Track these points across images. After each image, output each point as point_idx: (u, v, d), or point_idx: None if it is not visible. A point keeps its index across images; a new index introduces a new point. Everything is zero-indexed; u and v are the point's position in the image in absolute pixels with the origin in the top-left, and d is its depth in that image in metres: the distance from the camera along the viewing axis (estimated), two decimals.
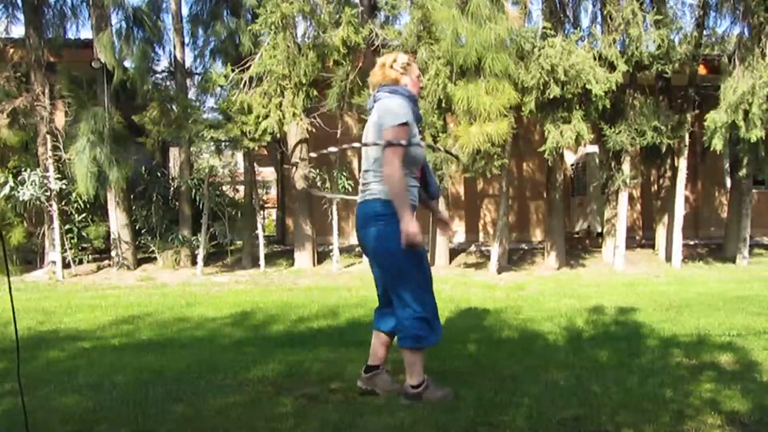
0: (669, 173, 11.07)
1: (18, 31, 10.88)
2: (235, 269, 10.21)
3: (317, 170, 10.22)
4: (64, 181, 9.54)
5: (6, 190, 9.22)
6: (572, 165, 13.04)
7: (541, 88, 8.69)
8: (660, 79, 10.27)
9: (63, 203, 9.76)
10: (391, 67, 2.96)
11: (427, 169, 3.05)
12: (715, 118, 8.91)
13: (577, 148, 11.44)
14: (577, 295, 6.59)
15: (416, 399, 2.82)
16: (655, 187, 12.27)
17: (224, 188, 11.43)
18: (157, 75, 10.93)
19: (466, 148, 8.37)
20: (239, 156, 13.00)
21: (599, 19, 9.92)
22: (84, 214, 10.14)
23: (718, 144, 9.03)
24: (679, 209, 10.12)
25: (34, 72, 9.76)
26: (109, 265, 10.29)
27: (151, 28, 10.03)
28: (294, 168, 9.88)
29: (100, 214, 10.45)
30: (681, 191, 10.22)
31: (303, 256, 10.44)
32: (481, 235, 13.41)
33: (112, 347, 4.27)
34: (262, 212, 11.60)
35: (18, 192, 9.17)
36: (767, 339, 4.03)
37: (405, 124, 2.77)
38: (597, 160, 11.24)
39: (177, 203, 10.86)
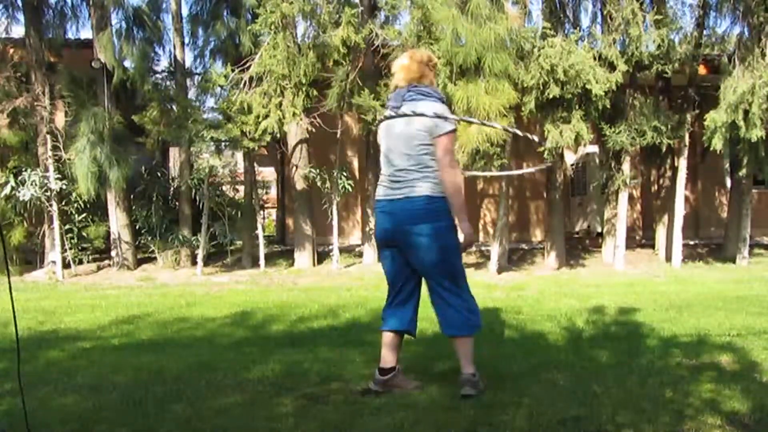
0: (669, 173, 11.07)
1: (18, 31, 10.87)
2: (235, 269, 10.21)
3: (317, 170, 10.21)
4: (64, 181, 9.54)
5: (6, 190, 9.22)
6: (572, 165, 13.04)
7: (541, 88, 8.69)
8: (660, 79, 10.26)
9: (63, 203, 9.76)
10: (427, 65, 3.01)
11: None
12: (715, 118, 8.91)
13: (577, 148, 11.44)
14: (577, 295, 6.59)
15: (477, 387, 2.87)
16: (655, 187, 12.26)
17: (224, 188, 11.43)
18: (157, 75, 10.95)
19: (465, 148, 8.37)
20: (239, 156, 13.01)
21: (599, 19, 9.92)
22: (84, 214, 10.14)
23: (718, 144, 9.03)
24: (679, 209, 10.12)
25: (34, 72, 9.77)
26: (109, 265, 10.30)
27: (151, 28, 10.04)
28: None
29: (100, 214, 10.45)
30: (681, 191, 10.21)
31: (303, 256, 10.44)
32: (481, 235, 13.40)
33: (112, 347, 4.27)
34: (262, 212, 11.60)
35: (18, 192, 9.17)
36: (767, 339, 4.03)
37: (455, 131, 2.92)
38: (597, 160, 11.23)
39: (177, 203, 10.86)
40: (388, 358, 2.99)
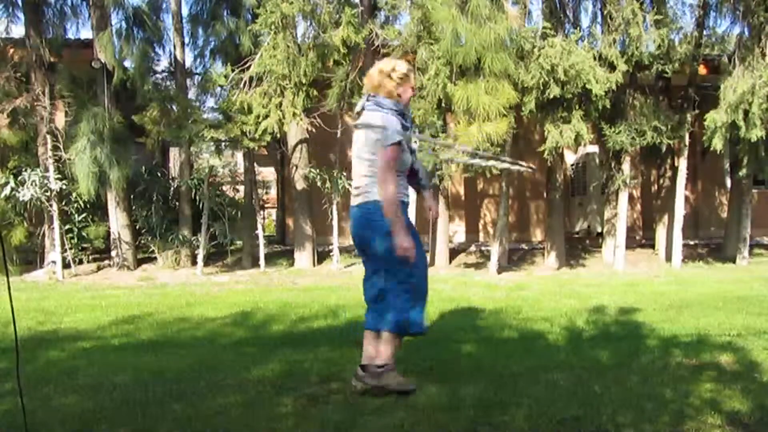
0: (669, 173, 11.07)
1: (18, 31, 10.86)
2: (235, 269, 10.21)
3: (317, 170, 10.22)
4: (64, 181, 9.54)
5: (6, 190, 9.22)
6: (572, 165, 13.05)
7: (541, 88, 8.68)
8: (660, 79, 10.26)
9: (63, 203, 9.75)
10: (389, 76, 3.02)
11: (417, 164, 3.22)
12: (715, 118, 8.91)
13: (577, 148, 11.45)
14: (577, 295, 6.59)
15: (377, 378, 2.92)
16: (655, 187, 12.26)
17: (224, 188, 11.43)
18: (157, 75, 10.94)
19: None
20: (239, 156, 13.01)
21: (599, 19, 9.92)
22: (84, 214, 10.13)
23: (718, 144, 9.03)
24: (679, 209, 10.12)
25: (34, 72, 9.76)
26: (109, 265, 10.29)
27: (151, 28, 10.02)
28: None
29: (100, 214, 10.45)
30: (681, 191, 10.21)
31: (303, 256, 10.44)
32: (481, 235, 13.41)
33: (112, 347, 4.27)
34: (262, 212, 11.60)
35: (18, 192, 9.17)
36: (767, 339, 4.03)
37: (398, 143, 2.92)
38: (597, 160, 11.24)
39: (177, 203, 10.85)
40: (370, 356, 3.04)
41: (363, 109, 3.06)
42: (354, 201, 3.08)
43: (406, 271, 2.93)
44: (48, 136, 9.49)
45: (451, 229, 11.81)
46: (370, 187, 2.96)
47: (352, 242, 10.08)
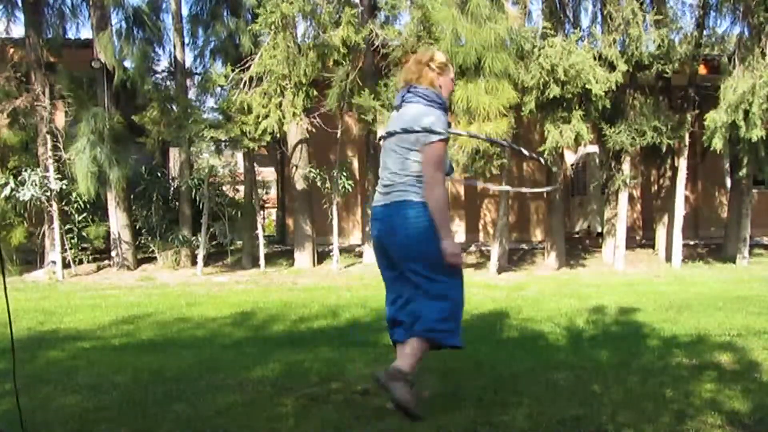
0: (669, 173, 11.07)
1: (18, 31, 10.88)
2: (235, 269, 10.21)
3: (317, 170, 10.21)
4: (64, 181, 9.54)
5: (6, 190, 9.21)
6: (572, 165, 13.03)
7: (541, 87, 8.69)
8: (660, 79, 10.26)
9: (63, 203, 9.76)
10: (428, 65, 2.75)
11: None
12: (715, 118, 8.91)
13: (577, 148, 11.44)
14: (577, 295, 6.59)
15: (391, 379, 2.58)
16: (655, 187, 12.26)
17: (224, 188, 11.43)
18: (157, 75, 10.95)
19: (465, 148, 8.38)
20: (239, 156, 13.02)
21: (599, 19, 9.93)
22: (84, 214, 10.14)
23: (718, 144, 9.03)
24: (679, 209, 10.12)
25: (34, 72, 9.76)
26: (109, 265, 10.29)
27: (151, 28, 10.04)
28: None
29: (100, 214, 10.45)
30: (681, 191, 10.21)
31: (303, 256, 10.43)
32: (481, 235, 13.40)
33: (112, 347, 4.27)
34: (262, 212, 11.60)
35: (18, 192, 9.17)
36: (767, 339, 4.03)
37: (446, 140, 2.63)
38: (597, 160, 11.23)
39: (177, 203, 10.85)
40: None
41: (402, 102, 2.74)
42: (382, 200, 2.70)
43: (445, 279, 2.61)
44: (48, 136, 9.50)
45: None
46: (407, 186, 2.62)
47: (353, 242, 10.00)
